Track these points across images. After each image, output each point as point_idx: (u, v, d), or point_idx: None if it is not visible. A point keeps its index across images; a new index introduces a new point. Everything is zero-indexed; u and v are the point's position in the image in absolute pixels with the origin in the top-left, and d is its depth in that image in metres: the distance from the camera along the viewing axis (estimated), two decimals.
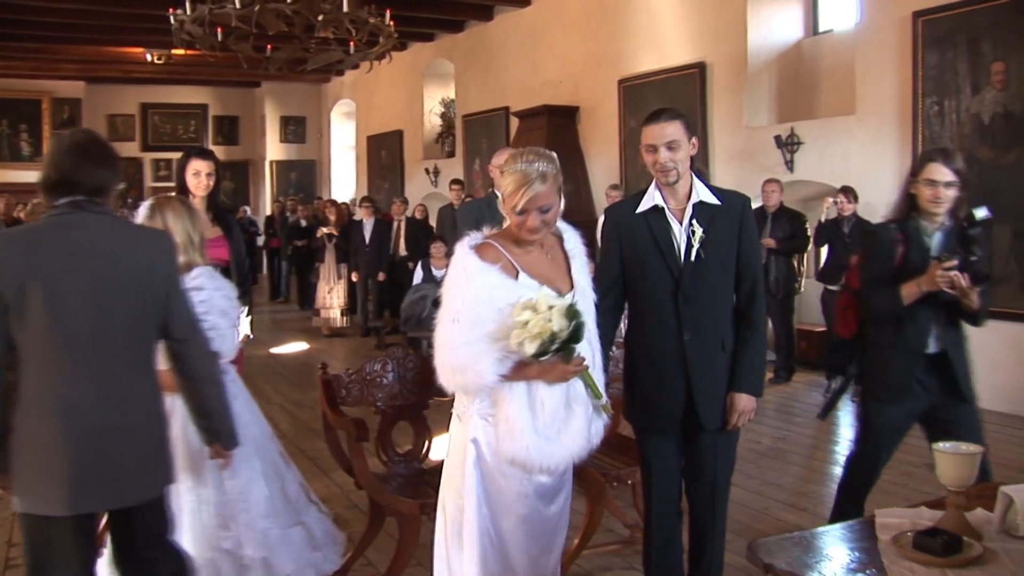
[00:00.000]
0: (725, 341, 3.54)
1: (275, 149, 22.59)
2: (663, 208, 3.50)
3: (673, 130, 3.40)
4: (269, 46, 10.56)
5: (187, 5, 9.22)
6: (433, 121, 17.53)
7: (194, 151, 5.19)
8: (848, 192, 8.03)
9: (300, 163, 22.67)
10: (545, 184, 2.91)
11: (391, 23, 9.59)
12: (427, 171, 16.81)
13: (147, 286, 2.86)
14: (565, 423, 2.96)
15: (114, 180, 2.96)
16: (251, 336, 5.27)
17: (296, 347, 11.92)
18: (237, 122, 23.18)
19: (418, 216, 13.47)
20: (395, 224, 12.73)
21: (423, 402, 4.37)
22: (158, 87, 21.56)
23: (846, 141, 8.99)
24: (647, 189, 3.57)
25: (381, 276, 12.36)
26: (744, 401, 3.53)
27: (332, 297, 12.80)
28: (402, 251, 12.52)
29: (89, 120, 21.22)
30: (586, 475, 4.34)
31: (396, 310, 11.38)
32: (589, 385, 3.01)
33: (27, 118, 20.56)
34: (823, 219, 8.10)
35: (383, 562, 4.37)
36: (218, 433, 3.16)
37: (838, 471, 6.34)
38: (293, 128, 22.60)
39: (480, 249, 2.94)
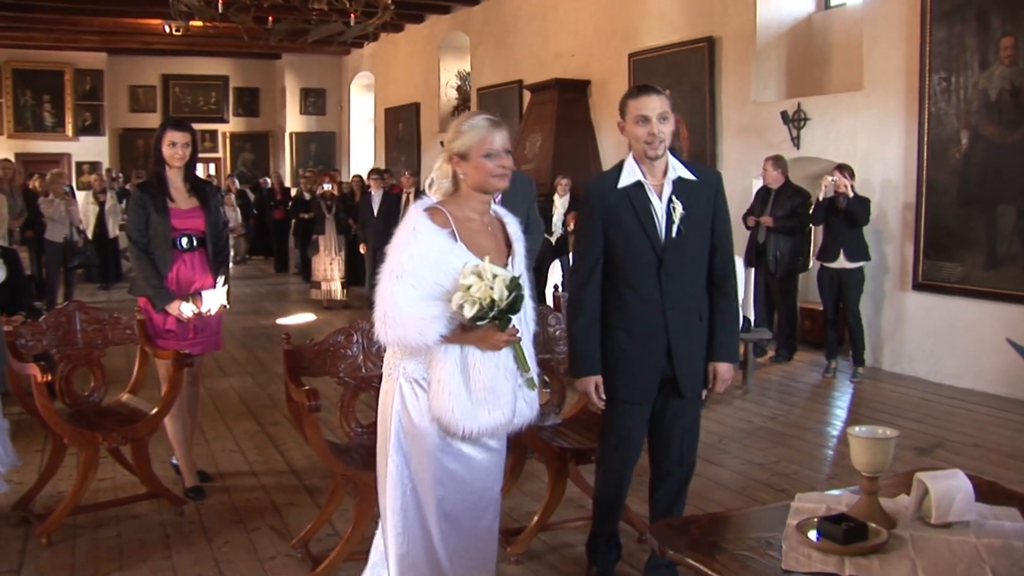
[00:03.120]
0: (702, 312, 3.63)
1: (295, 121, 22.60)
2: (644, 184, 3.52)
3: (663, 103, 3.48)
4: (270, 17, 10.51)
5: None
6: (449, 94, 17.45)
7: (170, 122, 5.24)
8: (844, 169, 7.85)
9: (320, 135, 22.68)
10: (504, 130, 3.07)
11: None
12: (442, 144, 16.68)
13: None
14: (495, 392, 2.97)
15: None
16: (227, 306, 5.29)
17: (301, 318, 11.92)
18: (257, 94, 23.22)
19: None
20: (404, 196, 12.67)
21: None
22: (179, 59, 21.62)
23: (853, 117, 8.80)
24: (624, 163, 3.58)
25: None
26: (725, 370, 3.65)
27: (333, 269, 12.79)
28: None
29: (111, 91, 21.34)
30: (548, 451, 4.31)
31: None
32: (518, 357, 3.03)
33: (50, 89, 20.68)
34: (821, 197, 7.92)
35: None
36: None
37: (826, 452, 6.29)
38: (313, 100, 22.60)
39: (431, 212, 2.99)
